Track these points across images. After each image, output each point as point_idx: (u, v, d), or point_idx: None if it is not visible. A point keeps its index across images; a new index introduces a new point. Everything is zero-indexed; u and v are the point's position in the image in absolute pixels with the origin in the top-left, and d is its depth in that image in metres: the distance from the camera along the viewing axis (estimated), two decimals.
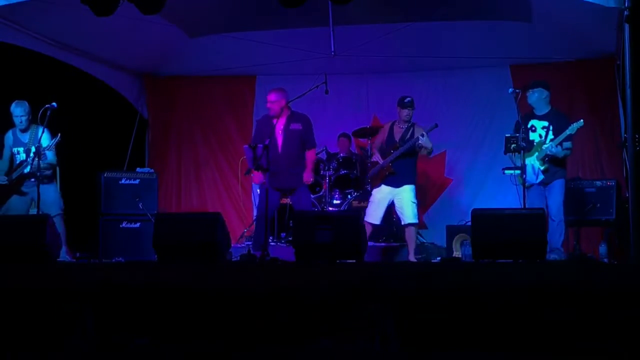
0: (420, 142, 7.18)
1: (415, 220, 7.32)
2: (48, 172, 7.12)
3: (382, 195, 7.35)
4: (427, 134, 7.21)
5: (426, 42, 8.50)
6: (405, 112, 7.33)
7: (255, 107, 9.58)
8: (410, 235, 7.34)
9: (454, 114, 9.10)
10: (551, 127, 6.85)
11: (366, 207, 7.60)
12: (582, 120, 6.73)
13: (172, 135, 9.74)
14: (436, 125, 7.36)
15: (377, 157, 7.41)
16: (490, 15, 7.92)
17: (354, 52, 8.41)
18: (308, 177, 7.21)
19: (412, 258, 7.28)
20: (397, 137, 7.38)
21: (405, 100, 7.33)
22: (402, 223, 7.40)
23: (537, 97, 6.93)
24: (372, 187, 7.54)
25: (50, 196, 7.10)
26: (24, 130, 7.22)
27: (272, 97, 7.05)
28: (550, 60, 8.68)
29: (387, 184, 7.34)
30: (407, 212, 7.28)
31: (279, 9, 6.41)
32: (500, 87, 8.03)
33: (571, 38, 8.02)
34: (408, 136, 7.34)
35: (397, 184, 7.31)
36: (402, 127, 7.40)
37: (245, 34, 8.48)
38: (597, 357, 4.07)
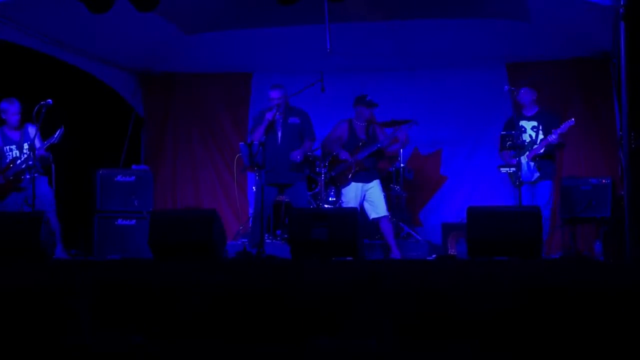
0: (399, 134, 7.34)
1: (387, 213, 7.42)
2: (39, 166, 7.13)
3: (353, 193, 7.40)
4: (401, 125, 7.33)
5: (422, 40, 8.49)
6: (368, 112, 7.43)
7: (251, 105, 9.56)
8: (387, 228, 7.38)
9: (449, 112, 9.10)
10: (540, 127, 6.95)
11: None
12: (572, 120, 6.87)
13: (167, 132, 9.71)
14: (416, 122, 7.46)
15: (345, 155, 7.42)
16: (486, 13, 7.92)
17: (350, 50, 8.41)
18: (296, 154, 7.12)
19: (395, 251, 7.31)
20: (361, 134, 7.44)
21: (367, 99, 7.45)
22: (372, 217, 7.42)
23: (524, 94, 7.11)
24: (342, 186, 7.53)
25: (45, 192, 7.09)
26: (16, 128, 7.21)
27: (275, 94, 7.05)
28: (546, 59, 8.69)
29: (357, 181, 7.38)
30: (380, 205, 7.38)
31: (274, 6, 6.41)
32: (496, 85, 8.02)
33: (567, 36, 8.03)
34: (371, 132, 7.44)
35: (367, 180, 7.40)
36: (363, 124, 7.47)
37: (242, 31, 8.48)
38: (594, 354, 4.07)
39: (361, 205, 7.43)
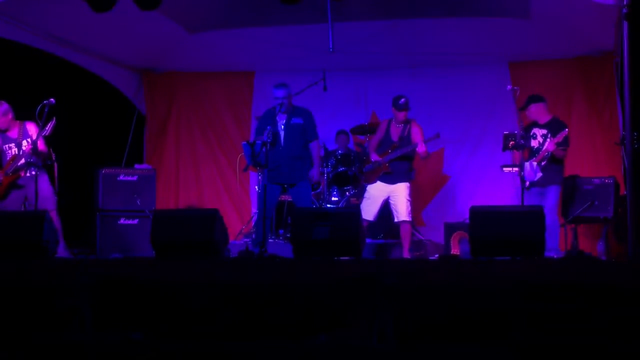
0: (418, 149, 7.24)
1: (409, 218, 7.37)
2: (39, 162, 7.13)
3: (377, 191, 7.39)
4: (426, 143, 7.23)
5: (424, 39, 8.50)
6: (401, 115, 7.38)
7: (253, 103, 9.57)
8: (405, 232, 7.37)
9: (452, 111, 9.10)
10: (549, 135, 7.05)
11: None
12: (566, 130, 7.01)
13: (170, 131, 9.72)
14: (438, 136, 7.43)
15: (375, 157, 7.43)
16: (488, 12, 7.92)
17: (352, 49, 8.40)
18: (315, 174, 7.11)
19: (406, 255, 7.30)
20: (395, 136, 7.42)
21: (400, 102, 7.35)
22: (395, 220, 7.42)
23: (536, 110, 7.22)
24: (367, 183, 7.58)
25: (45, 190, 7.09)
26: (7, 130, 7.20)
27: (280, 93, 7.01)
28: (549, 58, 8.69)
29: (382, 181, 7.38)
30: (402, 209, 7.33)
31: (277, 5, 6.41)
32: (499, 84, 8.03)
33: (570, 35, 8.02)
34: (406, 134, 7.37)
35: (392, 181, 7.37)
36: (399, 126, 7.43)
37: (244, 30, 8.48)
38: (595, 353, 4.07)
39: (383, 203, 7.43)
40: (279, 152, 6.97)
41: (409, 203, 7.35)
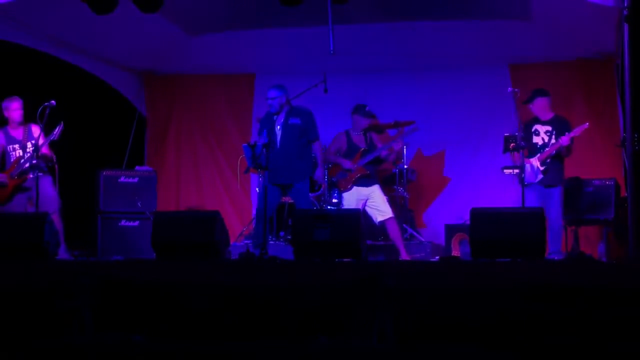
0: (394, 144, 7.47)
1: (392, 214, 7.46)
2: (43, 165, 7.13)
3: (354, 196, 7.48)
4: (406, 135, 7.37)
5: (425, 41, 8.50)
6: (365, 122, 7.45)
7: (254, 106, 9.57)
8: (394, 229, 7.40)
9: (452, 113, 9.10)
10: (554, 132, 6.96)
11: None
12: (587, 123, 6.90)
13: (171, 133, 9.73)
14: (416, 128, 7.50)
15: (348, 165, 7.48)
16: (489, 14, 7.93)
17: (353, 51, 8.41)
18: (319, 175, 7.25)
19: (404, 254, 7.30)
20: (361, 143, 7.49)
21: (367, 110, 7.49)
22: (379, 220, 7.45)
23: (541, 105, 7.10)
24: (342, 191, 7.62)
25: (49, 192, 7.10)
26: (18, 126, 7.21)
27: (271, 93, 7.06)
28: (550, 60, 8.69)
29: (358, 185, 7.49)
30: (384, 208, 7.43)
31: (277, 7, 6.42)
32: (499, 86, 8.04)
33: (570, 37, 8.03)
34: (368, 140, 7.56)
35: (369, 184, 7.49)
36: (360, 134, 7.52)
37: (245, 33, 8.50)
38: (595, 354, 4.07)
39: (363, 208, 7.45)
40: (276, 153, 6.97)
41: (387, 200, 7.50)
